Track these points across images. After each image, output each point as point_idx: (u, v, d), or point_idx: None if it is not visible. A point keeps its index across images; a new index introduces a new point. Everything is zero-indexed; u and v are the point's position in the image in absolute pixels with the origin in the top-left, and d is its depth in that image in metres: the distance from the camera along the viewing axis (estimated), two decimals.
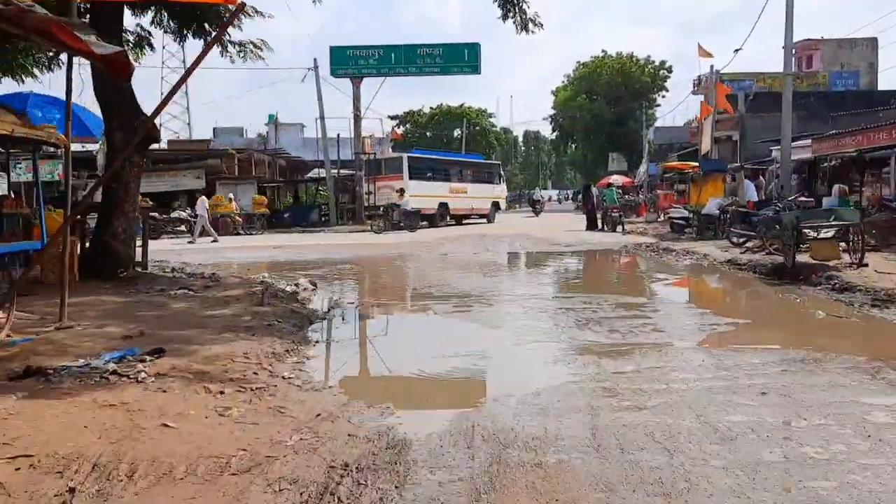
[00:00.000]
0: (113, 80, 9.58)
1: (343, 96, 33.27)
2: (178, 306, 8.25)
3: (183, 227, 26.41)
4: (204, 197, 25.11)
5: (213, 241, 23.15)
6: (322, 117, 33.48)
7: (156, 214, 26.52)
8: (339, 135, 34.89)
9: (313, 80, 33.49)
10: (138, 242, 11.07)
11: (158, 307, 8.12)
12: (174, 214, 26.61)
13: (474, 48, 33.39)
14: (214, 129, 64.91)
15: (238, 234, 28.70)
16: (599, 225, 25.07)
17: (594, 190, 29.17)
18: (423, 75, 34.85)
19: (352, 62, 33.17)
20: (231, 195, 29.38)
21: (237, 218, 28.39)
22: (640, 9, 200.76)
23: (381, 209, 28.27)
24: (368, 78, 34.06)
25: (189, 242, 22.58)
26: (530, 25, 12.23)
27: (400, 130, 64.85)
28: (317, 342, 7.17)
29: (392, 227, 27.03)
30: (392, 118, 67.32)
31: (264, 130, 60.24)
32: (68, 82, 6.70)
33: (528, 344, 6.79)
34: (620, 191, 33.75)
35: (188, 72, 5.21)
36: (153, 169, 31.65)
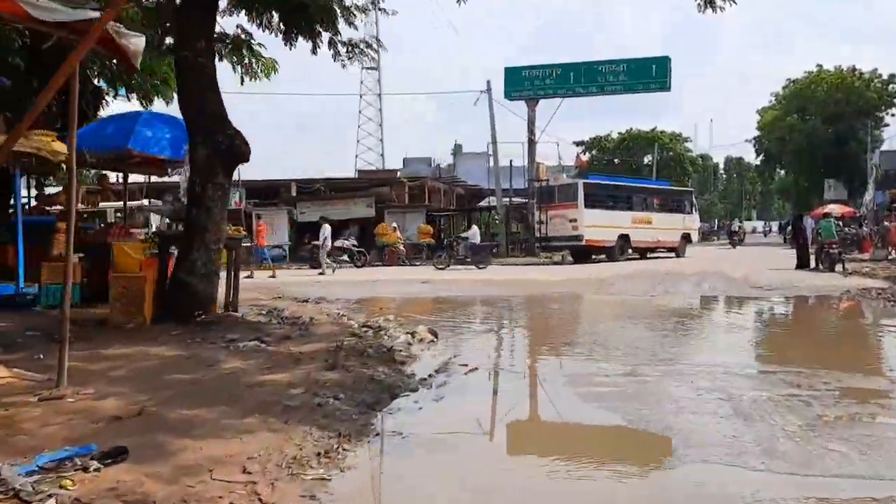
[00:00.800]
0: (197, 85, 8.17)
1: (521, 120, 31.17)
2: (231, 366, 6.45)
3: (345, 257, 25.63)
4: (327, 224, 23.56)
5: (320, 273, 21.84)
6: (494, 142, 31.78)
7: (317, 242, 25.97)
8: (511, 161, 33.02)
9: (486, 105, 31.94)
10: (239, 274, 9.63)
11: (206, 367, 6.37)
12: (336, 243, 25.89)
13: (663, 63, 30.15)
14: (404, 159, 65.97)
15: (402, 264, 27.53)
16: (812, 263, 20.79)
17: (807, 221, 24.71)
18: (605, 94, 32.09)
19: (527, 83, 31.24)
20: (395, 224, 28.34)
21: (401, 247, 27.25)
22: (855, 20, 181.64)
23: (453, 240, 25.61)
24: (546, 99, 31.97)
25: (319, 274, 21.56)
26: (718, 1, 9.46)
27: (585, 157, 61.94)
28: (377, 434, 5.00)
29: (457, 262, 24.50)
30: (577, 144, 64.59)
31: (451, 160, 60.09)
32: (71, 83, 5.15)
33: (706, 482, 4.14)
34: (840, 223, 28.61)
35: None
36: (329, 198, 31.59)
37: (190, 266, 8.07)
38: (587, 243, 27.11)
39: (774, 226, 71.34)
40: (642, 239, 28.85)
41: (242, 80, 11.68)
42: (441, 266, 23.77)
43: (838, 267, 19.58)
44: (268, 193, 32.33)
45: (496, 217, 33.83)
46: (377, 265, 27.31)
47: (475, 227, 25.52)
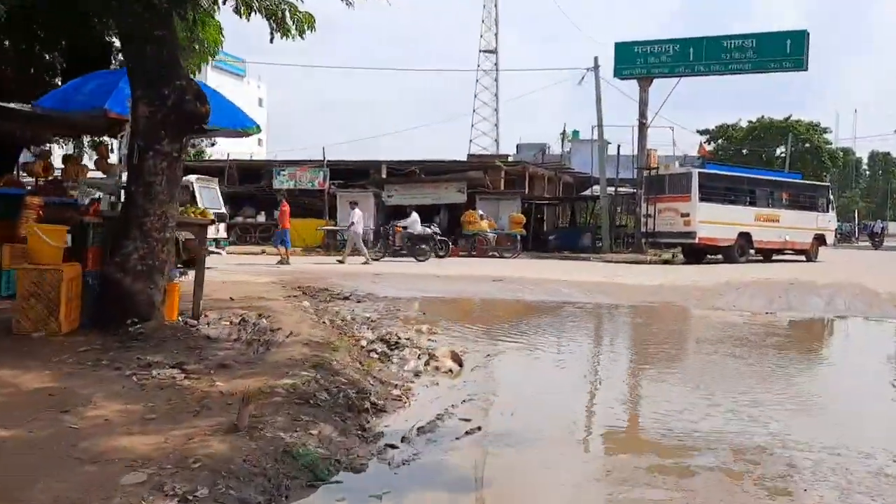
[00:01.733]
0: (137, 19, 6.18)
1: (633, 102, 27.79)
2: (96, 413, 4.42)
3: (425, 246, 23.58)
4: (358, 209, 21.47)
5: (365, 262, 19.82)
6: (599, 124, 28.74)
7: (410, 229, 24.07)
8: (619, 146, 29.89)
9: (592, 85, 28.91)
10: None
11: (58, 412, 4.37)
12: (417, 230, 23.81)
13: (799, 37, 26.14)
14: (518, 145, 63.26)
15: (492, 255, 25.21)
16: None
17: None
18: (730, 73, 28.30)
19: (640, 60, 27.98)
20: (482, 212, 26.01)
21: (489, 237, 24.95)
22: None
23: (392, 233, 23.10)
24: (662, 79, 28.60)
25: (364, 263, 19.57)
26: None
27: (709, 147, 57.04)
28: None
29: (393, 254, 22.24)
30: (701, 133, 59.74)
31: (567, 146, 56.72)
32: None
33: None
34: None
35: None
36: (419, 181, 29.67)
37: (122, 260, 6.12)
38: (701, 241, 23.81)
39: None
40: (767, 238, 25.12)
41: (272, 37, 9.65)
42: (376, 257, 21.63)
43: None
44: (357, 175, 30.79)
45: (598, 208, 30.74)
46: (462, 255, 25.13)
47: (415, 215, 23.04)
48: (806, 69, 26.38)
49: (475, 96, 74.75)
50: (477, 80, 73.43)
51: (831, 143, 63.78)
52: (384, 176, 30.70)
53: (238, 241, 27.97)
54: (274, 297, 10.33)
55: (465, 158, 35.84)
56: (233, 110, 9.95)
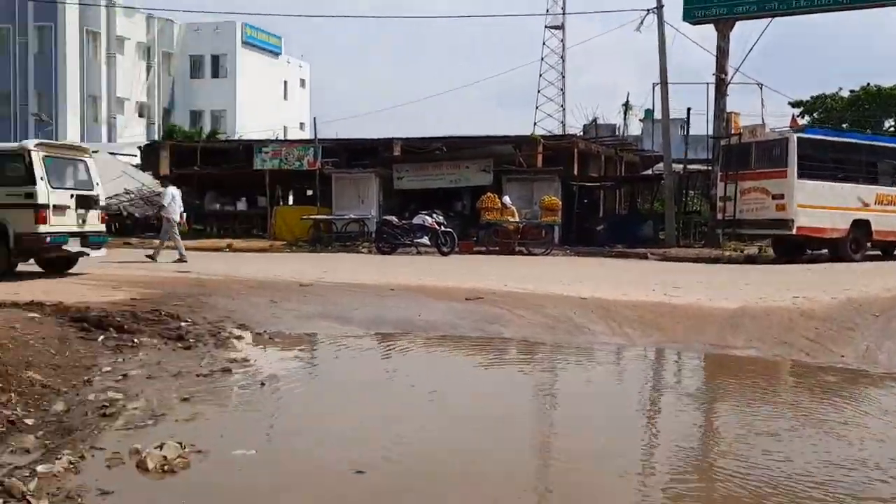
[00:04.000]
0: None
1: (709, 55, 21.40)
2: None
3: (425, 239, 18.07)
4: (173, 188, 16.09)
5: (179, 259, 14.60)
6: (663, 81, 22.37)
7: (393, 219, 18.66)
8: (688, 109, 23.53)
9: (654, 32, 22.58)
10: None
11: None
12: (416, 219, 18.27)
13: None
14: (585, 126, 56.70)
15: (519, 251, 19.50)
16: None
17: None
18: (831, 9, 21.57)
19: None
20: (507, 197, 20.24)
21: (511, 227, 19.25)
22: None
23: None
24: (744, 22, 22.11)
25: (177, 261, 14.45)
26: None
27: (803, 121, 49.09)
28: None
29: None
30: (794, 105, 51.69)
31: (637, 127, 49.78)
32: None
33: None
34: None
35: None
36: (431, 159, 24.08)
37: None
38: (800, 232, 17.42)
39: None
40: (890, 228, 18.44)
41: None
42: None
43: None
44: (365, 155, 25.48)
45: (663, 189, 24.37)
46: (480, 251, 19.49)
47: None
48: None
49: (540, 76, 68.53)
50: (542, 59, 67.24)
51: None
52: (397, 153, 25.25)
53: (218, 233, 23.15)
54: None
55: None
56: None
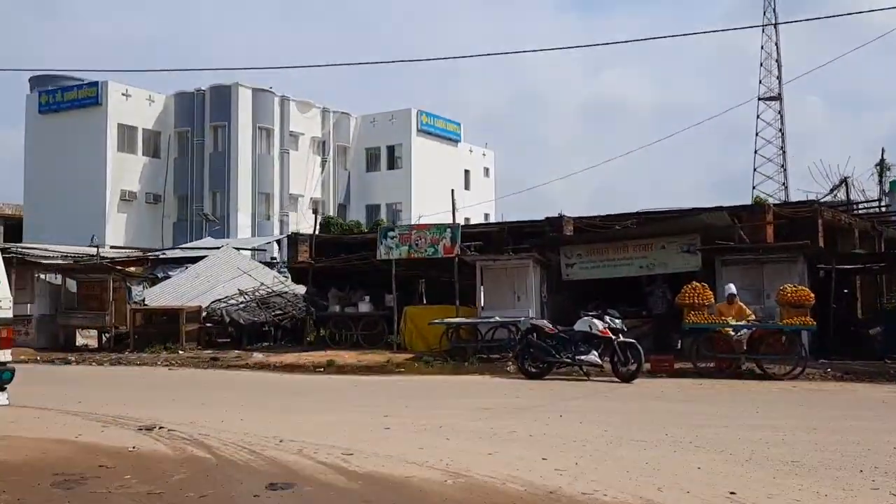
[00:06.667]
0: None
1: None
2: None
3: (592, 356, 11.66)
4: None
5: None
6: None
7: (545, 325, 12.55)
8: None
9: None
10: None
11: None
12: (578, 325, 11.93)
13: None
14: (832, 187, 46.91)
15: (748, 369, 12.48)
16: None
17: None
18: None
19: None
20: (731, 285, 13.34)
21: (733, 333, 12.30)
22: None
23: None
24: None
25: None
26: None
27: None
28: None
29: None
30: None
31: (876, 190, 39.43)
32: None
33: None
34: None
35: None
36: (610, 238, 17.73)
37: None
38: None
39: None
40: None
41: None
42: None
43: None
44: (527, 235, 19.71)
45: None
46: (686, 370, 12.70)
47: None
48: None
49: (755, 152, 59.80)
50: (757, 134, 58.77)
51: None
52: (569, 232, 19.20)
53: (330, 340, 18.25)
54: None
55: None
56: None
